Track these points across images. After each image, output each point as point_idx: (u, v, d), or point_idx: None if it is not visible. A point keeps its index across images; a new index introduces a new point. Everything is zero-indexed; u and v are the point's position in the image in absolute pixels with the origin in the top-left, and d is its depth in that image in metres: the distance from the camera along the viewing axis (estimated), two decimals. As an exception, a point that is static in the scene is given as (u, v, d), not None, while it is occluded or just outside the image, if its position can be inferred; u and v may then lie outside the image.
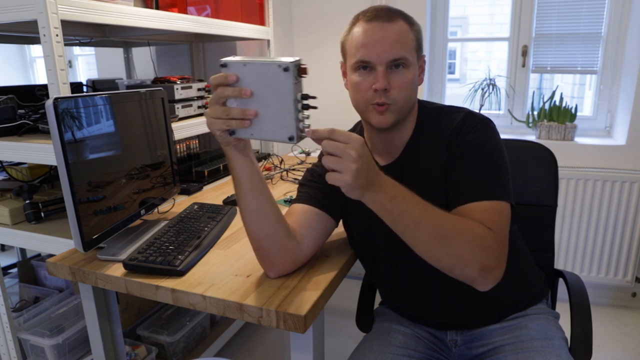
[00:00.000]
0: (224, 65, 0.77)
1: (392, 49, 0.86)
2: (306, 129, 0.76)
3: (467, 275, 0.80)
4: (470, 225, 0.80)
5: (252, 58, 0.76)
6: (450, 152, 0.90)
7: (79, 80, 3.02)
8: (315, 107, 0.76)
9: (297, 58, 0.74)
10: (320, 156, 1.10)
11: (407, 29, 0.88)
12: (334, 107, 2.44)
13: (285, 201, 1.45)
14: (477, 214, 0.83)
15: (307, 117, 0.76)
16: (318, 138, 0.73)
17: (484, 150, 0.87)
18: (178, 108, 1.61)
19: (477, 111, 0.94)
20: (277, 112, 0.75)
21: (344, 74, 0.97)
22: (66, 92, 1.11)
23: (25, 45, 3.56)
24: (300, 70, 0.74)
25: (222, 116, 0.77)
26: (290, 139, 0.76)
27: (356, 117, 1.01)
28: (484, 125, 0.90)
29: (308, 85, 2.55)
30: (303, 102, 0.75)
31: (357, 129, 1.08)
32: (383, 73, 0.86)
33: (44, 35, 1.06)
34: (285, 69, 0.72)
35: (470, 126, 0.90)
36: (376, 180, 0.75)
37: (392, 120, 0.90)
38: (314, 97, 0.75)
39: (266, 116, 0.76)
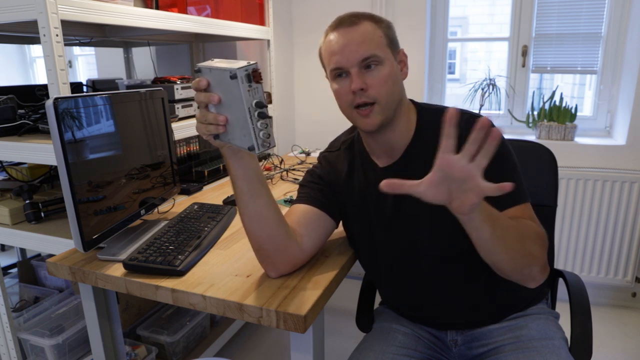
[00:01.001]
0: (198, 70, 0.77)
1: (359, 50, 0.87)
2: (268, 138, 0.72)
3: (529, 274, 0.82)
4: (529, 224, 0.84)
5: (220, 63, 0.74)
6: None
7: (79, 80, 3.02)
8: (270, 117, 0.73)
9: (252, 62, 0.70)
10: (320, 157, 1.10)
11: (373, 27, 0.90)
12: (334, 107, 2.44)
13: (286, 201, 1.45)
14: (523, 216, 0.86)
15: (266, 126, 0.72)
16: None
17: (499, 156, 0.86)
18: (178, 108, 1.61)
19: (477, 112, 0.94)
20: (239, 120, 0.73)
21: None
22: (66, 92, 1.11)
23: (25, 45, 3.56)
24: (254, 77, 0.70)
25: (202, 120, 0.79)
26: (250, 149, 0.73)
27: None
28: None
29: (309, 86, 2.55)
30: (258, 111, 0.71)
31: (355, 131, 1.08)
32: (357, 73, 0.88)
33: (44, 35, 1.06)
34: (233, 77, 0.70)
35: None
36: None
37: (380, 120, 0.90)
38: (265, 106, 0.72)
39: (234, 123, 0.75)
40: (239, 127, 0.74)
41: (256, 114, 0.71)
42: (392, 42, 0.92)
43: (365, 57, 0.87)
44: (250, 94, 0.71)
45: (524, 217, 0.86)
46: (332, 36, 0.90)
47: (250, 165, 0.84)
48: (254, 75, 0.70)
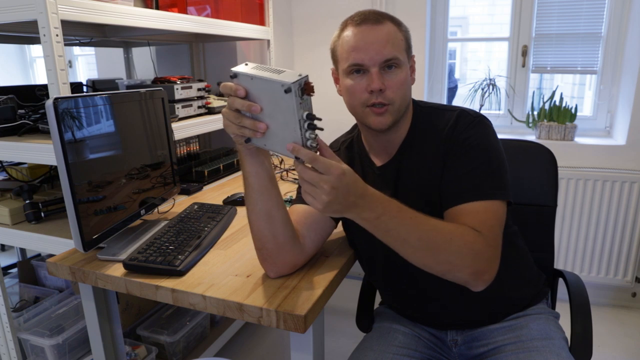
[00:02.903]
0: (234, 75, 0.75)
1: (384, 50, 0.86)
2: (314, 147, 0.73)
3: (460, 279, 0.82)
4: (460, 233, 0.81)
5: (260, 71, 0.73)
6: (445, 151, 0.90)
7: (79, 80, 3.02)
8: (321, 129, 0.73)
9: (303, 75, 0.70)
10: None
11: (395, 30, 0.89)
12: (334, 107, 2.43)
13: (286, 201, 1.45)
14: (469, 217, 0.83)
15: (315, 137, 0.73)
16: (299, 157, 0.71)
17: (477, 149, 0.88)
18: (178, 108, 1.61)
19: (471, 109, 0.95)
20: (285, 129, 0.73)
21: (336, 81, 0.98)
22: (66, 92, 1.11)
23: (25, 45, 3.56)
24: (305, 89, 0.70)
25: (235, 122, 0.76)
26: (297, 158, 0.73)
27: (353, 119, 1.01)
28: (478, 122, 0.90)
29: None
30: (309, 122, 0.71)
31: (355, 131, 1.08)
32: (377, 74, 0.87)
33: (44, 35, 1.06)
34: (287, 90, 0.69)
35: (465, 124, 0.90)
36: (360, 202, 0.74)
37: (391, 121, 0.91)
38: (319, 119, 0.72)
39: (276, 130, 0.74)
40: (283, 135, 0.74)
41: (306, 125, 0.71)
42: (409, 47, 0.93)
43: (389, 59, 0.87)
44: (301, 107, 0.70)
45: (474, 219, 0.83)
46: (354, 31, 0.89)
47: (264, 164, 0.85)
48: (306, 88, 0.70)
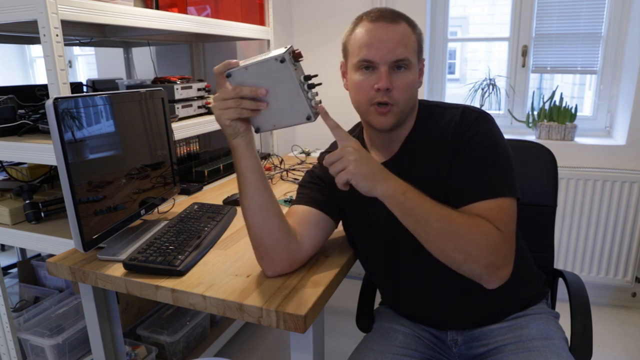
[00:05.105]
0: (229, 75, 0.82)
1: (396, 50, 0.87)
2: (318, 105, 0.83)
3: (474, 271, 0.82)
4: (477, 223, 0.81)
5: (249, 60, 0.81)
6: (451, 149, 0.90)
7: (79, 80, 3.02)
8: (320, 84, 0.82)
9: (288, 47, 0.79)
10: (320, 157, 1.10)
11: (409, 31, 0.89)
12: (335, 107, 2.43)
13: (285, 201, 1.45)
14: (484, 213, 0.83)
15: (316, 94, 0.83)
16: (326, 119, 0.83)
17: (484, 147, 0.88)
18: (178, 108, 1.61)
19: (473, 105, 0.95)
20: (289, 100, 0.81)
21: (344, 74, 0.98)
22: (66, 92, 1.11)
23: (25, 45, 3.55)
24: (295, 56, 0.80)
25: (235, 106, 0.81)
26: (308, 118, 0.83)
27: (355, 118, 1.01)
28: (482, 120, 0.90)
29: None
30: (308, 83, 0.81)
31: (356, 130, 1.08)
32: (386, 73, 0.87)
33: (44, 35, 1.06)
34: (282, 61, 0.78)
35: (470, 122, 0.90)
36: (384, 173, 0.80)
37: (394, 122, 0.91)
38: (315, 75, 0.82)
39: (280, 106, 0.82)
40: (288, 106, 0.82)
41: (306, 86, 0.81)
42: (420, 50, 0.93)
43: (400, 59, 0.87)
44: (297, 72, 0.80)
45: (488, 215, 0.83)
46: (369, 27, 0.89)
47: (257, 157, 0.87)
48: (295, 55, 0.80)
